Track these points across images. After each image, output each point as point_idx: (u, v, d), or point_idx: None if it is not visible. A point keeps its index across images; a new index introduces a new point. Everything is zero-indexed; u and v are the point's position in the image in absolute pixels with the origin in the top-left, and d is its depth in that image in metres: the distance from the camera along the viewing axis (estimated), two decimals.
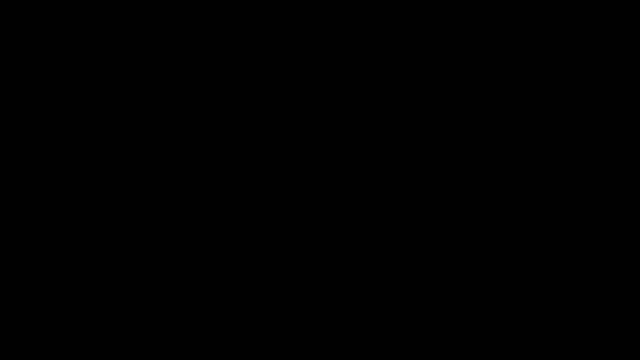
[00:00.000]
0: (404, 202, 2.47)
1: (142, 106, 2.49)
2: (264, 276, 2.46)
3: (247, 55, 2.50)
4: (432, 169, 2.47)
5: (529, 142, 2.47)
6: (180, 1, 2.50)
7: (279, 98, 2.50)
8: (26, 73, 2.49)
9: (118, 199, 2.46)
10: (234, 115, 2.49)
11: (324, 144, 2.48)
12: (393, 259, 2.46)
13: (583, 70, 2.48)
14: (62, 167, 2.47)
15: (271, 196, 2.47)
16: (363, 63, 2.50)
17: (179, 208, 2.47)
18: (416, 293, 2.45)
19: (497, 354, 2.42)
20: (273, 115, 2.49)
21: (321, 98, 2.49)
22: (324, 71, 2.50)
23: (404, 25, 2.50)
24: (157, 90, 2.49)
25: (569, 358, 2.41)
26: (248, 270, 2.46)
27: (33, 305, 2.43)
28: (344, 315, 2.44)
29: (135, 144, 2.48)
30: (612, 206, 2.45)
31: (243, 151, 2.48)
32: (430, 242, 2.46)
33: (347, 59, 2.50)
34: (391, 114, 2.49)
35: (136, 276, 2.45)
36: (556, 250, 2.44)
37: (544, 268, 2.44)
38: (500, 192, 2.46)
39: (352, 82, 2.49)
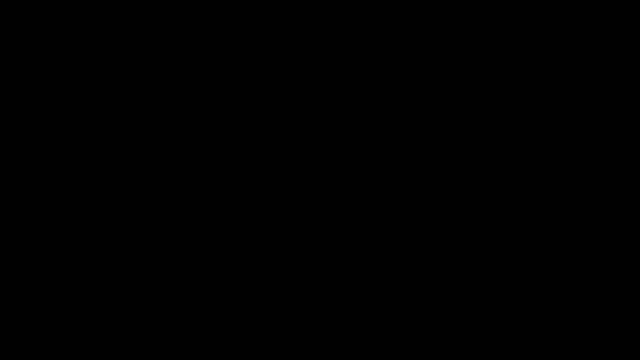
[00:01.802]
0: (404, 202, 2.47)
1: (142, 106, 2.49)
2: (264, 276, 2.46)
3: (247, 55, 2.50)
4: (432, 169, 2.47)
5: (529, 142, 2.47)
6: (180, 1, 2.50)
7: (279, 98, 2.50)
8: (26, 73, 2.49)
9: (117, 199, 2.47)
10: (234, 115, 2.50)
11: (324, 144, 2.49)
12: (393, 259, 2.46)
13: (583, 70, 2.48)
14: (62, 167, 2.47)
15: (271, 196, 2.47)
16: (363, 63, 2.50)
17: (179, 208, 2.47)
18: (416, 293, 2.45)
19: (497, 354, 2.42)
20: (273, 115, 2.49)
21: (321, 98, 2.50)
22: (325, 71, 2.50)
23: (404, 25, 2.50)
24: (157, 90, 2.49)
25: (569, 358, 2.41)
26: (248, 270, 2.46)
27: (33, 305, 2.43)
28: (344, 315, 2.44)
29: (135, 144, 2.48)
30: (612, 206, 2.45)
31: (243, 151, 2.48)
32: (430, 242, 2.46)
33: (347, 59, 2.50)
34: (391, 114, 2.49)
35: (136, 276, 2.45)
36: (556, 250, 2.44)
37: (544, 268, 2.44)
38: (500, 192, 2.46)
39: (352, 82, 2.49)
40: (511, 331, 2.42)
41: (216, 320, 2.44)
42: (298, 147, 2.48)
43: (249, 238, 2.47)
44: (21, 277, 2.44)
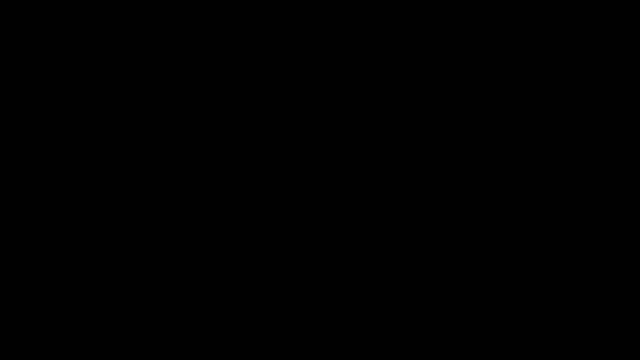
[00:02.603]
0: (404, 202, 2.47)
1: (142, 106, 2.49)
2: (264, 276, 2.46)
3: (247, 55, 2.50)
4: (432, 169, 2.47)
5: (529, 142, 2.47)
6: (180, 1, 2.50)
7: (279, 98, 2.50)
8: (26, 73, 2.49)
9: (118, 199, 2.47)
10: (235, 115, 2.50)
11: (325, 144, 2.49)
12: (393, 259, 2.46)
13: (583, 70, 2.48)
14: (62, 167, 2.47)
15: (271, 197, 2.48)
16: (363, 63, 2.50)
17: (179, 208, 2.47)
18: (416, 293, 2.45)
19: (497, 354, 2.42)
20: (273, 115, 2.49)
21: (321, 98, 2.50)
22: (325, 71, 2.50)
23: (404, 25, 2.50)
24: (157, 90, 2.49)
25: (569, 358, 2.41)
26: (248, 270, 2.46)
27: (33, 305, 2.43)
28: (344, 315, 2.44)
29: (135, 144, 2.48)
30: (612, 206, 2.45)
31: (243, 151, 2.48)
32: (430, 242, 2.46)
33: (347, 59, 2.50)
34: (391, 114, 2.49)
35: (136, 276, 2.45)
36: (556, 250, 2.45)
37: (544, 268, 2.44)
38: (500, 192, 2.46)
39: (352, 82, 2.49)
40: (511, 331, 2.42)
41: (217, 320, 2.44)
42: (298, 147, 2.49)
43: (249, 238, 2.47)
44: (21, 277, 2.44)
